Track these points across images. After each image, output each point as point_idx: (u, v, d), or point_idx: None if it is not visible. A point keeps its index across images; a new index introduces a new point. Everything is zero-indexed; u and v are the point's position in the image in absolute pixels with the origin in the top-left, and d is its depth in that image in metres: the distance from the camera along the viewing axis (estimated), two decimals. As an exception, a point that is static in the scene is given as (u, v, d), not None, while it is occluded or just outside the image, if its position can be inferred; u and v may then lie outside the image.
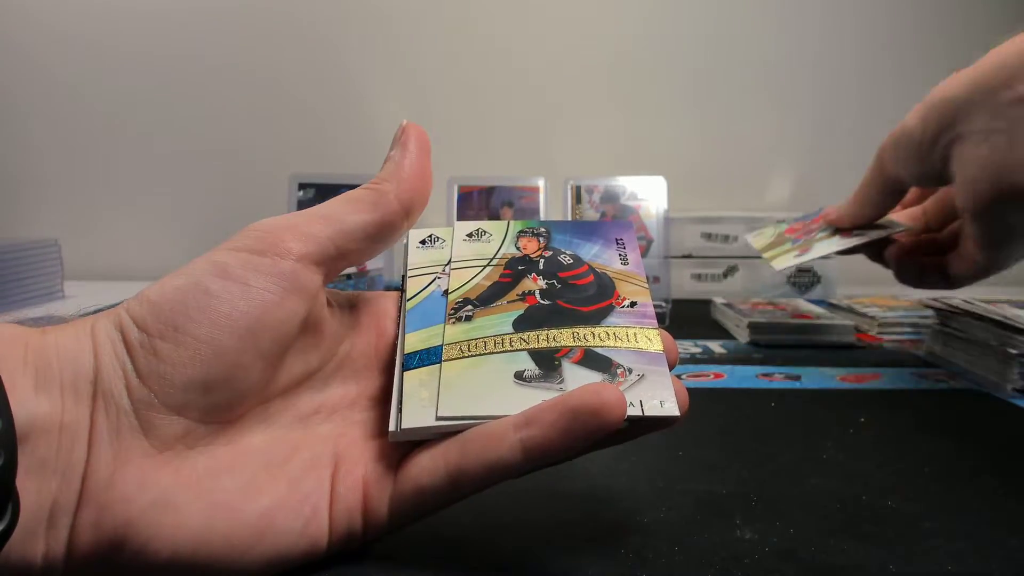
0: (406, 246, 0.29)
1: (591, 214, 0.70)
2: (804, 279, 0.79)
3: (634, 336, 0.25)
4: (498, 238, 0.29)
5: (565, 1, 0.93)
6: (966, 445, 0.36)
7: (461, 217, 0.70)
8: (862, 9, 0.92)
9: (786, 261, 0.49)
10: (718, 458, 0.34)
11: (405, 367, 0.24)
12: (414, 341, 0.25)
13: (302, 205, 0.73)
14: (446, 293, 0.27)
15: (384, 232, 0.24)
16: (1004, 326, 0.46)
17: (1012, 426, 0.39)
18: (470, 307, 0.26)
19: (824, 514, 0.28)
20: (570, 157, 0.95)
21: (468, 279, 0.27)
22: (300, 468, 0.23)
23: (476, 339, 0.25)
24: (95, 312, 0.23)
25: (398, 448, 0.24)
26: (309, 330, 0.24)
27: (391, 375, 0.25)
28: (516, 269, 0.28)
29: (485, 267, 0.28)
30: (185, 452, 0.21)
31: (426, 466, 0.22)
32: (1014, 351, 0.44)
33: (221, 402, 0.21)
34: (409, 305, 0.27)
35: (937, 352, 0.53)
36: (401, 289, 0.28)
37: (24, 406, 0.19)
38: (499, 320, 0.26)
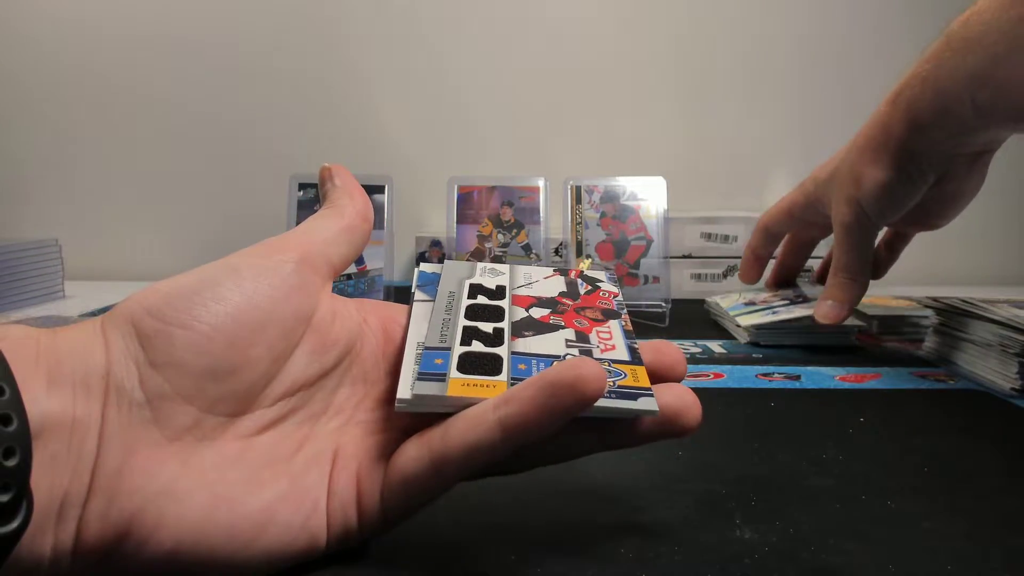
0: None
1: (591, 214, 0.70)
2: (804, 279, 0.78)
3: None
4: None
5: (565, 1, 0.93)
6: (966, 445, 0.36)
7: (461, 217, 0.70)
8: (863, 8, 0.92)
9: (752, 320, 0.59)
10: (718, 458, 0.34)
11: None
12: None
13: (302, 205, 0.73)
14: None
15: (355, 236, 0.28)
16: (1004, 326, 0.46)
17: (1012, 426, 0.39)
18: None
19: (824, 514, 0.28)
20: (570, 157, 0.95)
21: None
22: (303, 463, 0.23)
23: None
24: (100, 312, 0.24)
25: (391, 442, 0.24)
26: (317, 330, 0.25)
27: (396, 378, 0.26)
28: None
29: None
30: (194, 444, 0.21)
31: (411, 455, 0.23)
32: (1014, 351, 0.44)
33: (227, 393, 0.22)
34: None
35: (937, 352, 0.53)
36: (411, 292, 0.30)
37: (37, 404, 0.19)
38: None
